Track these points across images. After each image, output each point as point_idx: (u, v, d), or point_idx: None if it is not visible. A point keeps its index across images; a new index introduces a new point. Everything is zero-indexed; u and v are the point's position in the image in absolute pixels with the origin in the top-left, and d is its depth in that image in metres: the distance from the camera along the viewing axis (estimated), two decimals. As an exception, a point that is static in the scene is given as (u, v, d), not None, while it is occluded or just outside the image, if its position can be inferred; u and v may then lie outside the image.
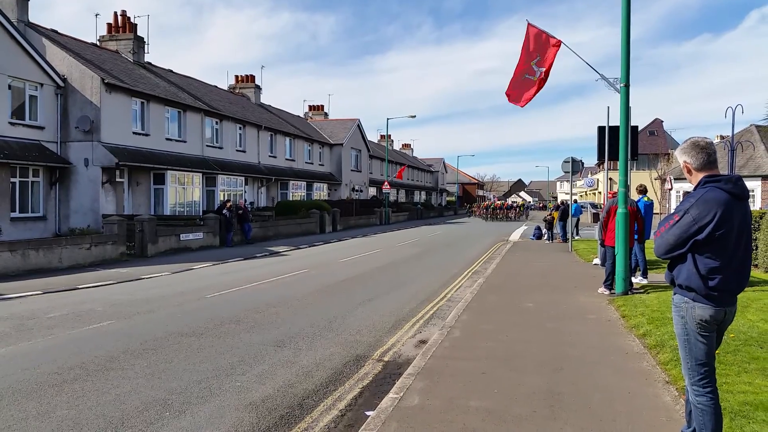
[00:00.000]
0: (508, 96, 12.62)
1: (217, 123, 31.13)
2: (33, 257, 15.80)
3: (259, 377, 6.35)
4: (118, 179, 23.67)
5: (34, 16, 20.78)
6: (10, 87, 20.69)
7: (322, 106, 54.01)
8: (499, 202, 65.14)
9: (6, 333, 8.43)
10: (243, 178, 32.33)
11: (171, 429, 4.93)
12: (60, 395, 5.72)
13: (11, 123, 20.63)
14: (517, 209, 60.27)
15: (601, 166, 62.45)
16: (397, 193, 62.62)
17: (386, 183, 48.18)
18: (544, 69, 12.20)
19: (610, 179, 31.61)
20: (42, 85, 21.92)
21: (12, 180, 20.55)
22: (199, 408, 5.42)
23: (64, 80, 22.63)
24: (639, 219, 11.23)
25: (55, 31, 25.33)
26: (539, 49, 12.18)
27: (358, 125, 50.66)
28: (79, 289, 12.85)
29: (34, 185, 21.73)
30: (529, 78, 12.32)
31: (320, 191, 43.01)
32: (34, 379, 6.20)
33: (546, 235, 25.82)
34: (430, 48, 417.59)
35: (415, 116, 50.54)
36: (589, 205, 47.30)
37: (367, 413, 5.21)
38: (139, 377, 6.30)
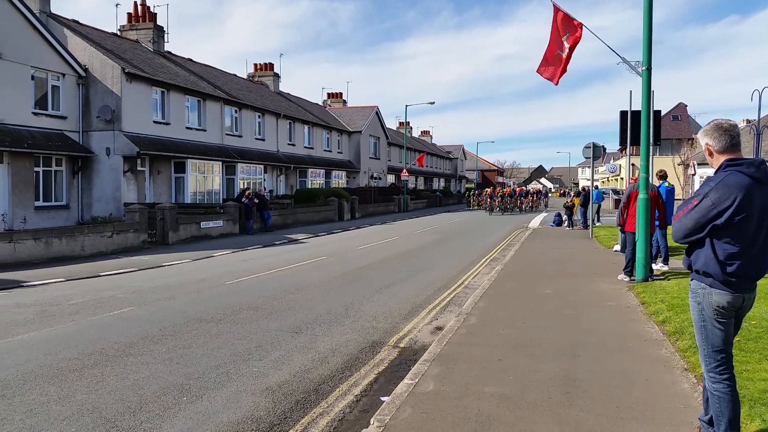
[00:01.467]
0: (541, 73, 12.64)
1: (236, 111, 31.26)
2: (56, 245, 16.08)
3: (275, 363, 6.39)
4: (139, 168, 23.93)
5: (55, 7, 21.18)
6: (33, 77, 20.96)
7: (341, 94, 53.91)
8: (508, 188, 48.53)
9: (29, 319, 8.60)
10: (262, 167, 32.47)
11: (188, 413, 5.00)
12: (80, 380, 5.82)
13: (34, 113, 20.93)
14: (534, 197, 48.08)
15: (623, 152, 61.63)
16: (416, 181, 62.44)
17: (405, 170, 48.04)
18: (569, 46, 12.22)
19: (633, 165, 31.13)
20: (64, 75, 22.18)
21: (36, 169, 20.88)
22: (216, 392, 5.48)
23: (86, 70, 22.87)
24: (660, 204, 11.05)
25: (77, 22, 25.58)
26: (568, 28, 12.24)
27: (377, 112, 50.51)
28: (101, 276, 13.06)
29: (57, 174, 22.07)
30: (560, 54, 12.36)
31: (339, 179, 43.06)
32: (55, 364, 6.32)
33: (566, 222, 25.56)
34: (449, 34, 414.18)
35: (434, 103, 50.46)
36: (611, 191, 46.71)
37: (382, 399, 5.22)
38: (157, 362, 6.39)
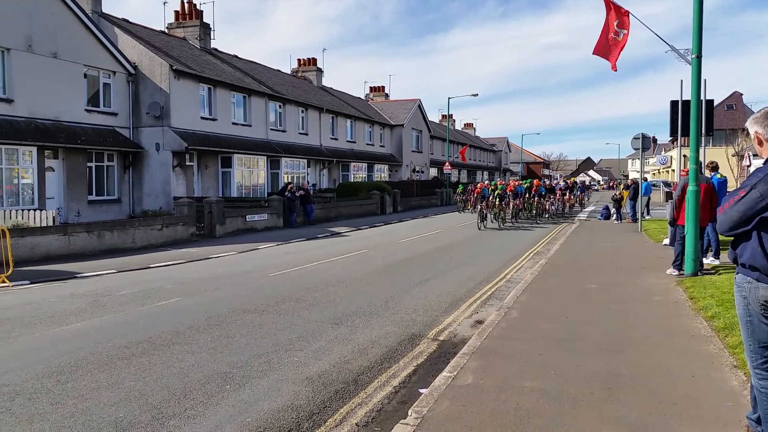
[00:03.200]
0: (599, 54, 12.52)
1: (280, 107, 31.67)
2: (108, 238, 16.65)
3: (315, 353, 6.48)
4: (187, 163, 24.53)
5: (106, 7, 21.99)
6: (85, 76, 21.72)
7: (383, 87, 53.96)
8: (515, 181, 33.89)
9: (82, 309, 8.94)
10: (305, 161, 32.83)
11: (231, 401, 5.12)
12: (128, 368, 6.03)
13: (87, 110, 21.69)
14: (568, 193, 32.99)
15: (674, 143, 59.78)
16: (459, 174, 62.03)
17: (447, 163, 47.77)
18: (625, 32, 12.08)
19: (684, 156, 30.14)
20: (114, 73, 22.90)
21: (89, 164, 21.67)
22: (258, 381, 5.60)
23: (135, 68, 23.55)
24: (714, 197, 10.66)
25: (126, 20, 26.35)
26: (618, 15, 12.12)
27: (419, 105, 50.35)
28: (150, 268, 13.47)
29: (109, 169, 22.83)
30: (614, 38, 12.20)
31: (381, 172, 43.14)
32: (105, 352, 6.56)
33: (614, 215, 24.99)
34: (494, 24, 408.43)
35: (477, 95, 50.23)
36: (661, 184, 45.34)
37: (421, 391, 5.23)
38: (202, 351, 6.56)
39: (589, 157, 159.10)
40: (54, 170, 20.37)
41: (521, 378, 5.23)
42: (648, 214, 24.70)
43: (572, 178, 50.23)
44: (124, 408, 4.95)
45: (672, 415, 4.35)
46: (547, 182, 33.57)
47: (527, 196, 27.22)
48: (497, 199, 23.44)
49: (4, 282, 11.26)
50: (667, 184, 46.19)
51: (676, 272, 10.23)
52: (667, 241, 14.51)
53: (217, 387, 5.45)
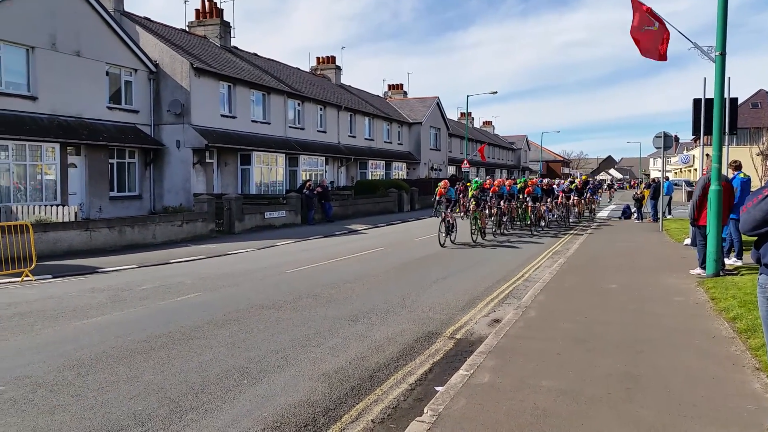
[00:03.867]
0: (637, 41, 12.36)
1: (299, 104, 31.79)
2: (129, 233, 16.86)
3: (332, 349, 6.50)
4: (207, 160, 24.74)
5: (128, 5, 22.13)
6: (107, 74, 22.00)
7: (402, 85, 53.86)
8: (492, 180, 23.01)
9: (102, 303, 9.07)
10: (323, 158, 32.92)
11: (248, 395, 5.15)
12: (147, 361, 6.10)
13: (109, 107, 21.97)
14: (569, 196, 24.24)
15: (697, 142, 58.91)
16: (477, 172, 61.73)
17: (465, 161, 47.53)
18: (657, 24, 11.92)
19: (707, 155, 29.70)
20: (136, 70, 23.15)
21: (110, 161, 21.95)
22: (275, 376, 5.63)
23: (156, 65, 23.79)
24: (731, 196, 10.49)
25: (148, 19, 26.62)
26: (642, 12, 12.03)
27: (437, 103, 50.20)
28: (170, 263, 13.61)
29: (130, 166, 23.11)
30: (650, 29, 11.98)
31: (399, 170, 43.11)
32: (125, 346, 6.65)
33: (635, 214, 24.71)
34: (514, 21, 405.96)
35: (496, 92, 49.34)
36: (683, 183, 44.72)
37: (437, 388, 5.21)
38: (221, 346, 6.62)
39: (610, 156, 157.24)
40: (76, 167, 20.67)
41: (538, 377, 5.20)
42: (669, 213, 24.40)
43: (583, 176, 37.63)
44: (143, 401, 5.02)
45: (691, 417, 4.29)
46: (544, 182, 24.39)
47: (521, 197, 21.08)
48: (472, 202, 18.05)
49: (27, 276, 11.46)
50: (689, 183, 45.54)
51: (704, 272, 10.03)
52: (688, 240, 14.31)
53: (234, 381, 5.49)
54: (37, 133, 18.64)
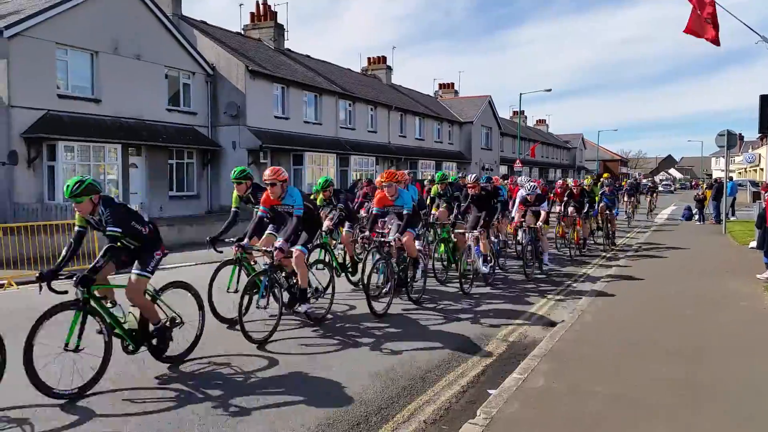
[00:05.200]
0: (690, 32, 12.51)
1: (350, 105, 32.06)
2: (188, 232, 17.40)
3: (383, 349, 6.53)
4: (262, 160, 25.23)
5: (185, 9, 23.02)
6: (166, 76, 22.75)
7: (453, 84, 53.49)
8: (466, 178, 12.11)
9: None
10: (374, 158, 33.08)
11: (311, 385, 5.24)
12: (206, 356, 6.27)
13: (168, 109, 22.73)
14: (570, 203, 13.88)
15: (763, 140, 56.29)
16: (530, 172, 60.76)
17: (518, 161, 46.88)
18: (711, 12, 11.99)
19: (774, 154, 28.33)
20: (194, 73, 23.86)
21: (169, 161, 22.70)
22: (326, 374, 5.69)
23: (213, 68, 24.46)
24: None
25: (204, 22, 27.39)
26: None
27: (489, 102, 49.68)
28: (225, 261, 13.92)
29: (188, 166, 23.84)
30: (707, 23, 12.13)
31: (449, 170, 42.88)
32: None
33: (697, 216, 23.83)
34: (568, 17, 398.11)
35: (550, 90, 48.20)
36: (748, 183, 42.81)
37: (490, 391, 5.18)
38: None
39: (669, 155, 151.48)
40: (137, 167, 21.45)
41: (593, 382, 5.10)
42: (733, 215, 23.43)
43: (588, 177, 28.29)
44: (201, 395, 5.16)
45: (750, 428, 4.12)
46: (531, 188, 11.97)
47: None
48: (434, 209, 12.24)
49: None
50: (754, 183, 43.56)
51: (772, 277, 9.61)
52: (753, 243, 13.71)
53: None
54: (100, 135, 19.44)
